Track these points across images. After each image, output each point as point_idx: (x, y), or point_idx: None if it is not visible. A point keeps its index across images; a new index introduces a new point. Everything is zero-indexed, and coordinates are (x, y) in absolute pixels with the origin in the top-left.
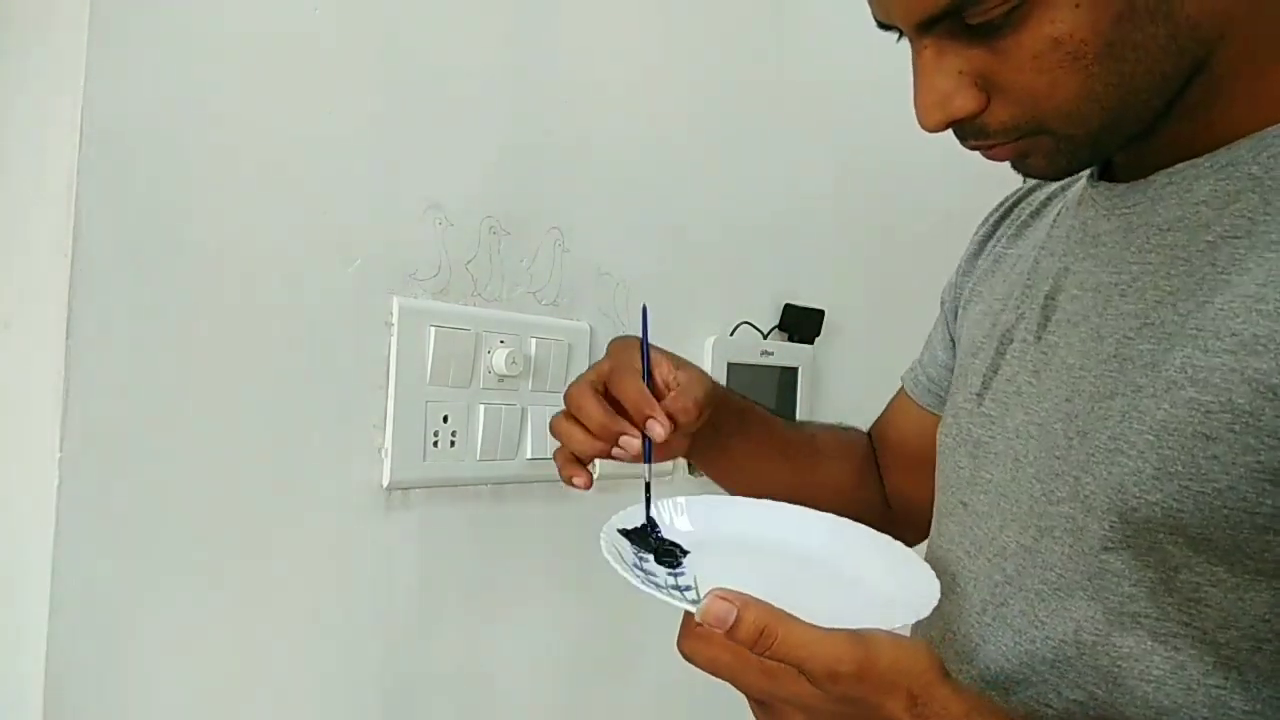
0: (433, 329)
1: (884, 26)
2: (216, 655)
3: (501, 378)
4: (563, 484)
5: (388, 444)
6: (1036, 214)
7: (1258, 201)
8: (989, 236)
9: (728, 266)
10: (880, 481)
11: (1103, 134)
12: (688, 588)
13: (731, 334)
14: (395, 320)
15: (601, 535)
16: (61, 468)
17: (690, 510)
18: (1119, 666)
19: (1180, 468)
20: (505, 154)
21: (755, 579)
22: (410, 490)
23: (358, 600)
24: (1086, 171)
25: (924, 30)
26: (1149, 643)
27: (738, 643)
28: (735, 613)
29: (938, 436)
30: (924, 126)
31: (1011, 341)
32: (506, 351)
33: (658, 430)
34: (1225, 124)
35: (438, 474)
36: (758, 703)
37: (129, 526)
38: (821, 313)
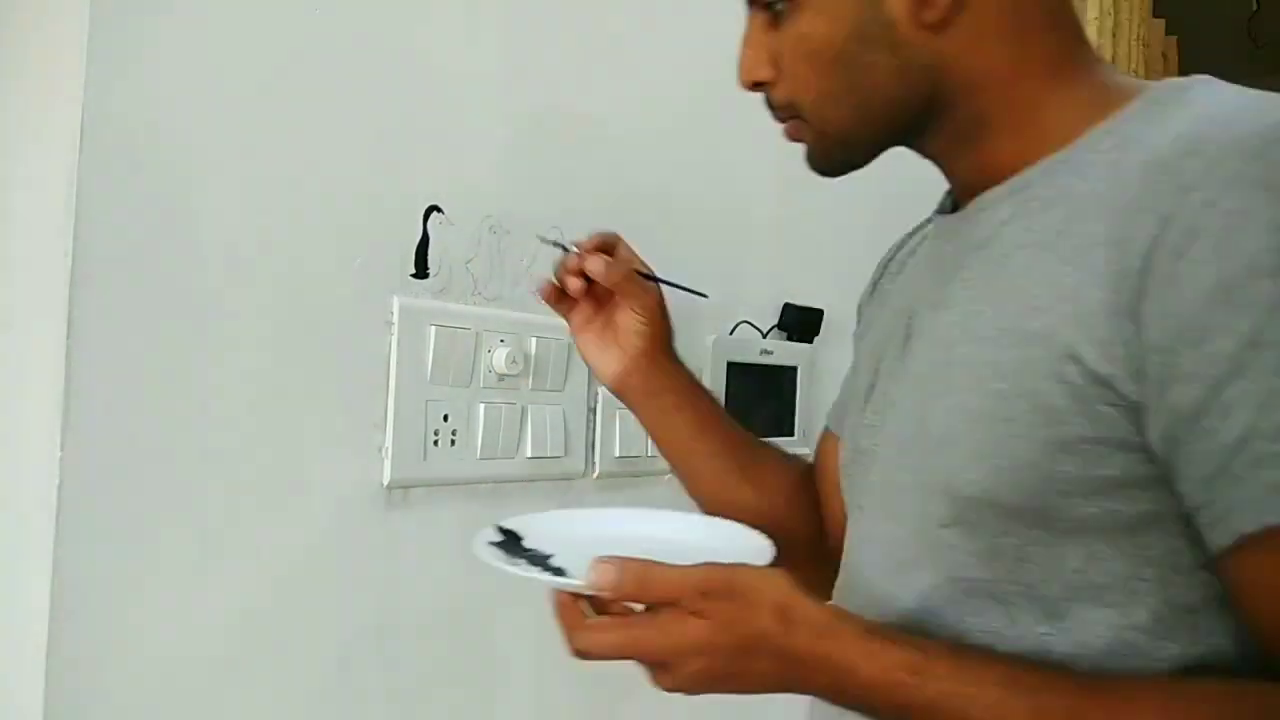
0: (433, 328)
1: None
2: (216, 655)
3: (501, 377)
4: (563, 484)
5: (388, 443)
6: (912, 253)
7: (1043, 217)
8: (878, 280)
9: (728, 266)
10: (815, 510)
11: (851, 133)
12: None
13: (731, 333)
14: (395, 320)
15: (475, 544)
16: (61, 468)
17: (536, 523)
18: (965, 622)
19: (990, 448)
20: (505, 153)
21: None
22: (410, 489)
23: (358, 599)
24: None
25: (751, 3)
26: (988, 601)
27: (624, 598)
28: (618, 571)
29: (840, 455)
30: (740, 83)
31: (884, 359)
32: (506, 351)
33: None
34: (1013, 154)
35: (438, 473)
36: (659, 667)
37: (129, 526)
38: (820, 312)
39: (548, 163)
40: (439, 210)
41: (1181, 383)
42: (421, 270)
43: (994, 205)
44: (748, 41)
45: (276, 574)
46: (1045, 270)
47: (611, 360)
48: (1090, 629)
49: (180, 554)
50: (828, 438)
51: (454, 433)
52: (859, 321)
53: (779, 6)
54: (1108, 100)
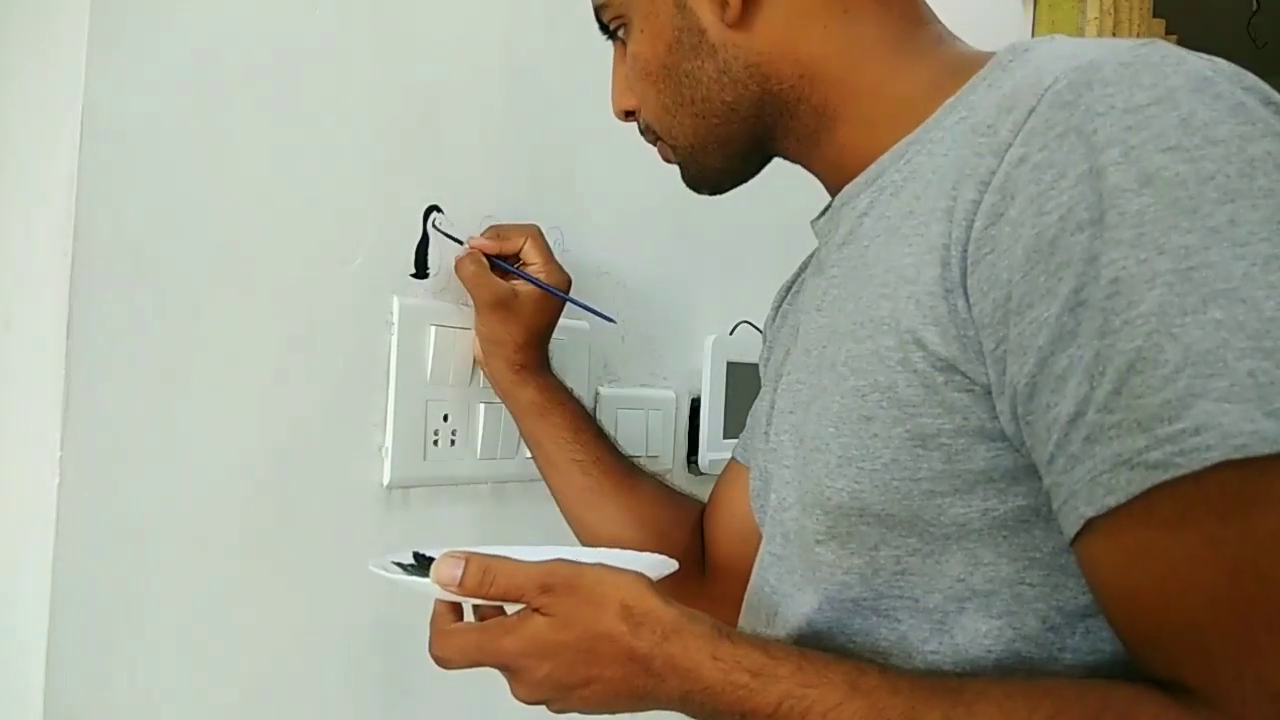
0: (433, 328)
1: None
2: (216, 655)
3: None
4: None
5: (388, 443)
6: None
7: (895, 201)
8: (779, 304)
9: (728, 266)
10: (694, 541)
11: (698, 146)
12: None
13: (731, 333)
14: (396, 319)
15: (378, 560)
16: (61, 468)
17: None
18: (853, 643)
19: (855, 452)
20: (504, 153)
21: None
22: (410, 489)
23: (358, 600)
24: None
25: (605, 35)
26: (873, 619)
27: (468, 592)
28: (462, 565)
29: (750, 485)
30: (615, 115)
31: (781, 378)
32: None
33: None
34: (867, 143)
35: (438, 473)
36: (510, 671)
37: (129, 526)
38: None
39: (547, 163)
40: (439, 210)
41: (1014, 357)
42: (421, 270)
43: (854, 198)
44: (614, 74)
45: (276, 575)
46: (891, 254)
47: (517, 331)
48: (979, 643)
49: (180, 554)
50: (731, 468)
51: (454, 433)
52: (763, 346)
53: (619, 35)
54: (959, 73)
